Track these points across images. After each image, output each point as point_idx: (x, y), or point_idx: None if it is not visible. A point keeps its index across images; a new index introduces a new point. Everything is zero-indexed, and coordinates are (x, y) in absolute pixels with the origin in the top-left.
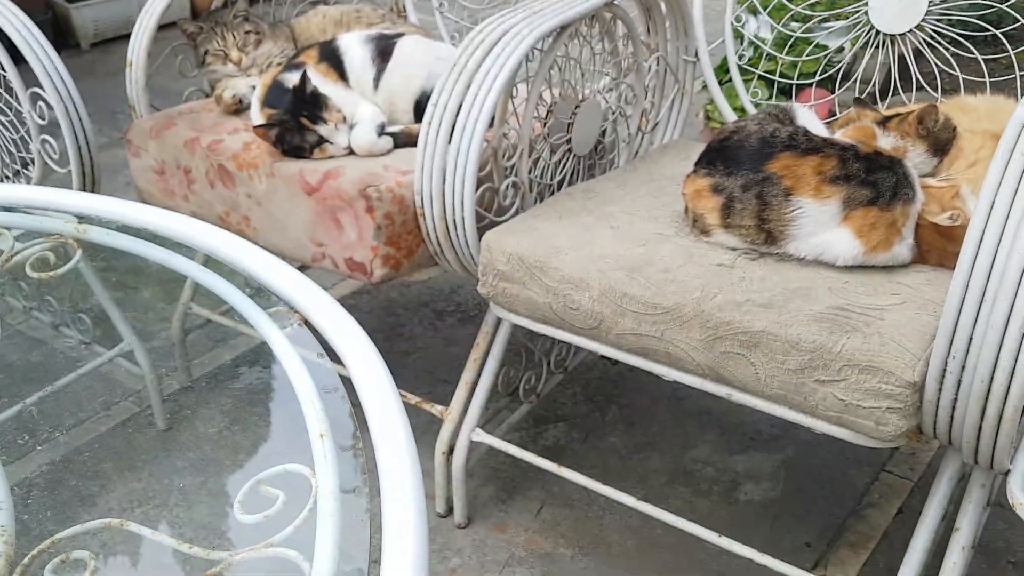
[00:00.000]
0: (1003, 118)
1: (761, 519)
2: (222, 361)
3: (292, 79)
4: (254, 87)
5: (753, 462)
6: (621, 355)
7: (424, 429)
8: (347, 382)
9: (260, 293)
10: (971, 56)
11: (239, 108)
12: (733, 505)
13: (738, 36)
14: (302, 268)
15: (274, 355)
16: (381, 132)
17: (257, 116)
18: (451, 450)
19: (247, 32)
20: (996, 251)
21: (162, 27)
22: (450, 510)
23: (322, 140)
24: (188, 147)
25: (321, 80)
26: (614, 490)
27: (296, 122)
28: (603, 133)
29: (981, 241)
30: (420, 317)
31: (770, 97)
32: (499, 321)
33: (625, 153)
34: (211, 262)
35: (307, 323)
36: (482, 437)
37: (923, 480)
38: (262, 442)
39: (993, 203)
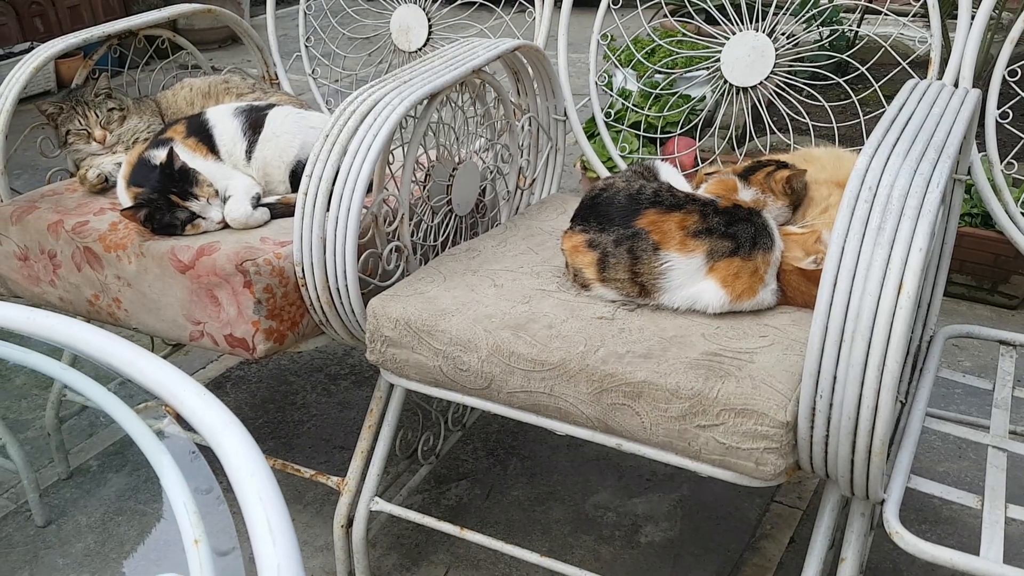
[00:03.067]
0: (844, 166)
1: (663, 560)
2: (102, 448)
3: (159, 156)
4: (120, 165)
5: (651, 503)
6: (513, 413)
7: (322, 501)
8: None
9: (128, 387)
10: (819, 104)
11: (105, 187)
12: (635, 549)
13: (608, 86)
14: (178, 347)
15: (145, 457)
16: (257, 204)
17: (123, 195)
18: (350, 522)
19: (110, 109)
20: (850, 294)
21: (28, 98)
22: None
23: (194, 216)
24: (52, 230)
25: (190, 155)
26: (517, 548)
27: (165, 200)
28: (483, 192)
29: (835, 285)
30: (313, 383)
31: (638, 148)
32: (391, 386)
33: (506, 210)
34: (78, 357)
35: (179, 417)
36: (382, 506)
37: (811, 507)
38: (139, 542)
39: (843, 249)
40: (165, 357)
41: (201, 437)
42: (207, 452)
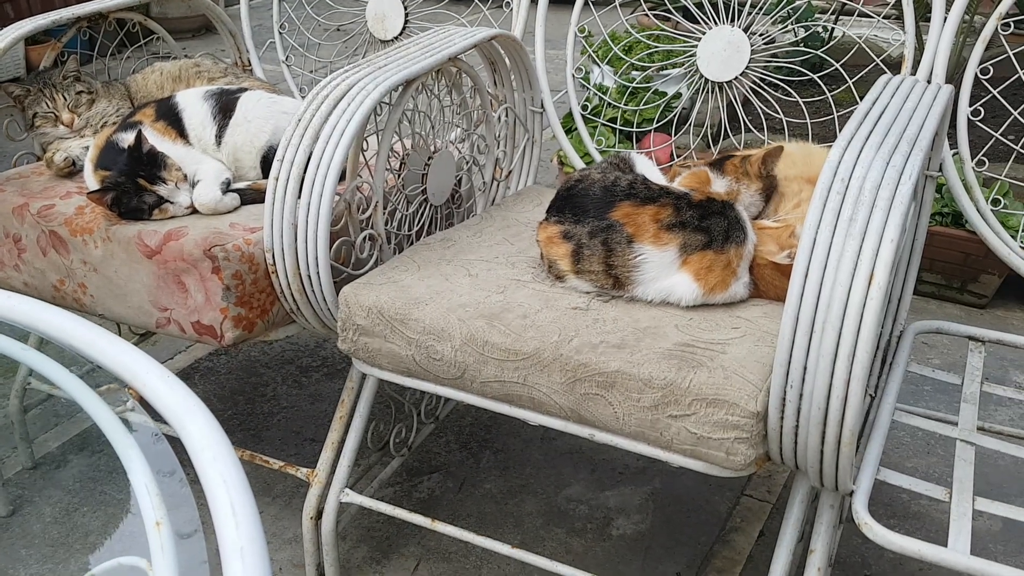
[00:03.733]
0: (815, 162)
1: (634, 552)
2: (67, 438)
3: (127, 139)
4: (87, 148)
5: (623, 496)
6: (487, 403)
7: (292, 494)
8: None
9: (92, 371)
10: (793, 100)
11: (72, 171)
12: (607, 541)
13: (586, 80)
14: (147, 335)
15: (107, 439)
16: (227, 189)
17: (91, 179)
18: (320, 514)
19: (79, 92)
20: (820, 285)
21: None
22: None
23: (162, 200)
24: (16, 214)
25: (158, 139)
26: (488, 540)
27: (133, 183)
28: (459, 182)
29: (807, 276)
30: (284, 375)
31: (615, 143)
32: (364, 376)
33: (482, 201)
34: (43, 340)
35: (142, 400)
36: (352, 498)
37: (781, 501)
38: (103, 530)
39: (815, 240)
40: None
41: (165, 424)
42: (174, 441)
